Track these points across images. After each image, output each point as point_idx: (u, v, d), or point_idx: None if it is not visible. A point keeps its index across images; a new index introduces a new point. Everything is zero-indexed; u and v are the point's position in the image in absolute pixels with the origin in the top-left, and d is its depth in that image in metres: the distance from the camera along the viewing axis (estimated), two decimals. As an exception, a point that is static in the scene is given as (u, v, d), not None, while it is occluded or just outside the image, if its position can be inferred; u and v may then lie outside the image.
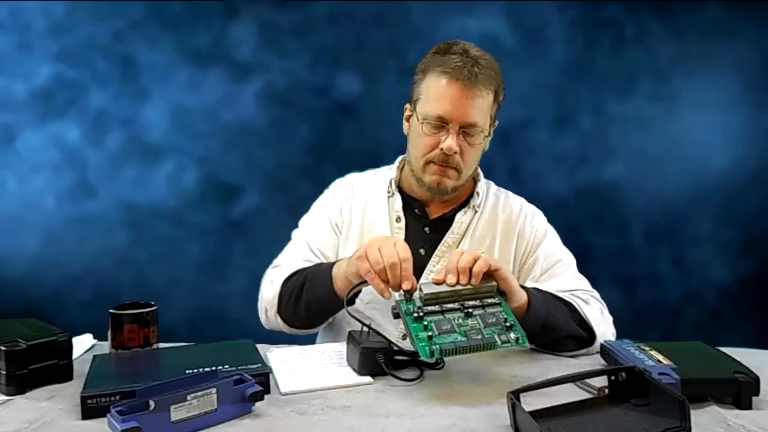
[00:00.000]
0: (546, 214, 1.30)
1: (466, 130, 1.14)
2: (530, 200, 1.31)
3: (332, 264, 1.09)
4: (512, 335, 0.87)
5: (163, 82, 2.27)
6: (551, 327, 1.03)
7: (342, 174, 1.36)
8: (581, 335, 1.06)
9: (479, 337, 0.85)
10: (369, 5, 2.25)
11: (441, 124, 1.14)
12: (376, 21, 2.26)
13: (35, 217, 2.27)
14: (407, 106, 1.24)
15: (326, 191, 1.34)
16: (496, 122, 1.22)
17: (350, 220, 1.26)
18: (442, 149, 1.14)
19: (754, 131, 2.30)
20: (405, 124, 1.25)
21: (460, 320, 0.89)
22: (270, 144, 2.29)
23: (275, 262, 1.26)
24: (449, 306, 0.90)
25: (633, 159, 2.30)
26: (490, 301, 0.93)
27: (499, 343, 0.86)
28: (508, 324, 0.88)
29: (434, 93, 1.14)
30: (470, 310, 0.90)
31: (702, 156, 2.30)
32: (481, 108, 1.14)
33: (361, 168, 1.35)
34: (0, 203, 2.28)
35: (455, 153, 1.14)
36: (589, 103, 2.29)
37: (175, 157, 2.28)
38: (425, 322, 0.87)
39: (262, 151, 2.29)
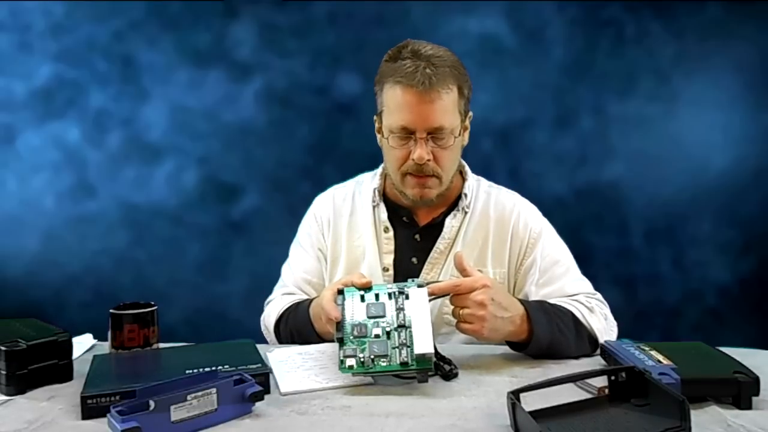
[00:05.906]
0: (546, 214, 1.27)
1: (434, 135, 1.09)
2: (530, 200, 1.28)
3: (308, 307, 1.10)
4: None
5: (163, 82, 2.27)
6: (555, 351, 1.01)
7: (342, 174, 1.36)
8: (585, 353, 1.04)
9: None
10: (369, 5, 2.25)
11: (407, 134, 1.10)
12: (376, 21, 2.25)
13: (35, 217, 2.27)
14: (375, 117, 1.19)
15: (308, 212, 1.31)
16: (471, 114, 1.18)
17: (335, 239, 1.24)
18: (414, 160, 1.10)
19: (754, 131, 2.30)
20: (378, 136, 1.21)
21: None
22: (270, 144, 2.29)
23: (269, 297, 1.29)
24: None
25: (633, 159, 2.30)
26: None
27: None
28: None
29: (393, 104, 1.10)
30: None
31: (702, 156, 2.30)
32: (445, 109, 1.09)
33: (361, 168, 1.34)
34: (0, 203, 2.28)
35: (428, 161, 1.10)
36: (589, 103, 2.29)
37: (175, 157, 2.28)
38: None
39: (262, 151, 2.29)
